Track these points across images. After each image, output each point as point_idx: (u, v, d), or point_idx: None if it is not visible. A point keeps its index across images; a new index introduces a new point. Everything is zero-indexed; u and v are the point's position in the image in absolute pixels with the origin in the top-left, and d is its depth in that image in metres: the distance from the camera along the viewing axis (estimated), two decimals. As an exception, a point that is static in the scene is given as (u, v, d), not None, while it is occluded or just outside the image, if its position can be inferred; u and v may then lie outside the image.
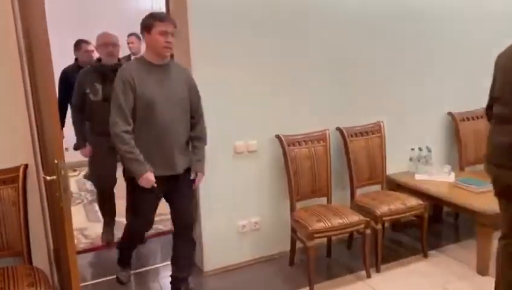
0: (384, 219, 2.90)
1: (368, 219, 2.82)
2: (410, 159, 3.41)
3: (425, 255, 3.08)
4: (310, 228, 2.67)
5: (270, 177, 3.03)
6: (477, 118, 3.62)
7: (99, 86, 3.08)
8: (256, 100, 2.90)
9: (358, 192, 3.17)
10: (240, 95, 2.84)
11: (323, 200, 3.06)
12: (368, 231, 2.81)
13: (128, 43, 4.51)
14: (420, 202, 3.00)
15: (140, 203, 2.52)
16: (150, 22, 2.34)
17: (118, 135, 2.32)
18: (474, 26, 3.61)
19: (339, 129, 3.15)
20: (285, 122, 2.99)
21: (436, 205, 3.42)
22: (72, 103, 3.25)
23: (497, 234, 2.23)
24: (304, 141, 2.99)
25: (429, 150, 3.38)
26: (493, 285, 2.26)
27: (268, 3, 2.81)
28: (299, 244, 2.94)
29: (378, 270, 2.91)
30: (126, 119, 2.33)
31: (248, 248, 3.05)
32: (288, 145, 2.92)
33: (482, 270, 2.81)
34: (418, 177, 3.30)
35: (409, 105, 3.45)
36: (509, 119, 2.02)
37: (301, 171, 2.96)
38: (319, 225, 2.68)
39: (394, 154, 3.33)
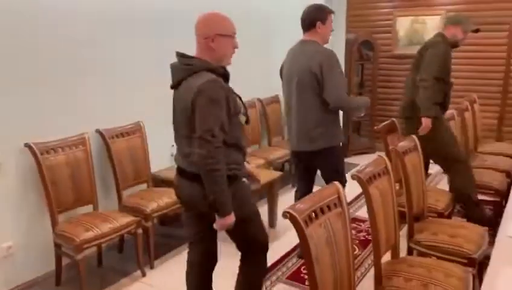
0: (153, 215, 2.97)
1: (139, 218, 2.84)
2: (172, 155, 3.59)
3: (194, 242, 3.33)
4: (78, 240, 2.49)
5: (23, 193, 2.67)
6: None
7: (239, 101, 2.04)
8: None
9: (126, 193, 3.14)
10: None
11: (90, 207, 2.90)
12: (140, 231, 2.83)
13: None
14: (184, 193, 3.21)
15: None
16: (325, 14, 2.65)
17: None
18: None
19: (98, 131, 3.03)
20: (34, 129, 2.67)
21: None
22: (213, 129, 1.83)
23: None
24: (61, 147, 2.75)
25: (187, 145, 3.64)
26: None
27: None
28: (66, 260, 2.70)
29: (152, 267, 2.97)
30: None
31: (2, 277, 2.60)
32: (42, 154, 2.63)
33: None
34: (180, 171, 3.51)
35: (164, 105, 3.61)
36: None
37: (60, 180, 2.71)
38: (88, 234, 2.54)
39: (157, 152, 3.44)
